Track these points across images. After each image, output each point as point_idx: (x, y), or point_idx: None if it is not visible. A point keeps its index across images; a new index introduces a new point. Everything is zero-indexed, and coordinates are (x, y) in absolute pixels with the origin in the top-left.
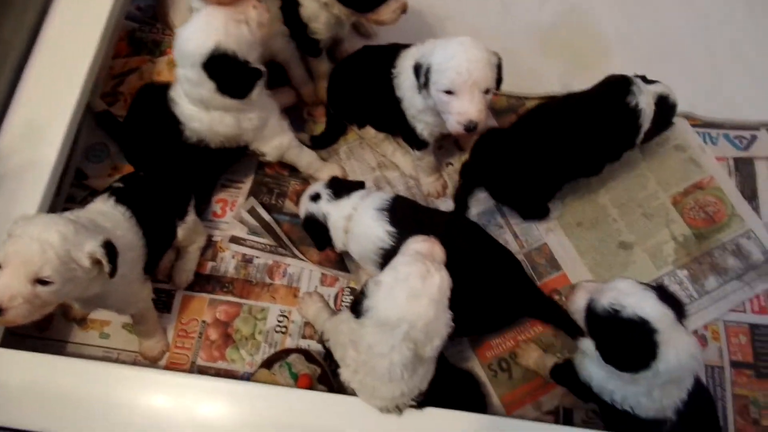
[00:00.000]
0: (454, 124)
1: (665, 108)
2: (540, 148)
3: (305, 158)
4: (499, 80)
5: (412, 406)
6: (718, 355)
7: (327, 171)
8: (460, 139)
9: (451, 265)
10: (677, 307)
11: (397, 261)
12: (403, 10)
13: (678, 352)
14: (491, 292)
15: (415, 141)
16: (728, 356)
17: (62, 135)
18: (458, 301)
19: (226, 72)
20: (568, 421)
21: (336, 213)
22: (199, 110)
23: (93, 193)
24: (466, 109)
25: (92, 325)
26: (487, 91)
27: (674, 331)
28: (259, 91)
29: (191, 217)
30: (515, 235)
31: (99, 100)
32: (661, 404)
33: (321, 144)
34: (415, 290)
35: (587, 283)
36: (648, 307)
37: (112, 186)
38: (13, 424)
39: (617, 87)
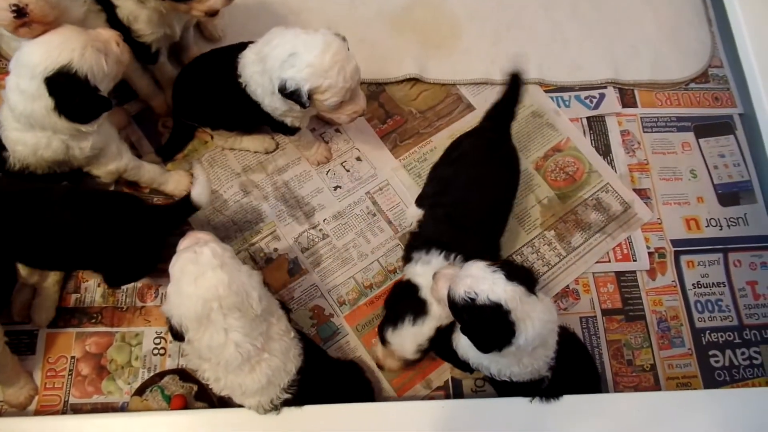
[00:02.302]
0: (345, 119)
1: None
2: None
3: (146, 174)
4: None
5: (289, 402)
6: (590, 306)
7: (173, 181)
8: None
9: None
10: (527, 279)
11: (170, 269)
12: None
13: (533, 323)
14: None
15: (288, 131)
16: (599, 305)
17: None
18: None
19: (71, 93)
20: (458, 395)
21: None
22: (23, 131)
23: None
24: (358, 107)
25: None
26: None
27: (526, 304)
28: (101, 122)
29: None
30: (389, 221)
31: None
32: (533, 367)
33: (168, 154)
34: (194, 273)
35: (446, 271)
36: (499, 290)
37: None
38: None
39: None
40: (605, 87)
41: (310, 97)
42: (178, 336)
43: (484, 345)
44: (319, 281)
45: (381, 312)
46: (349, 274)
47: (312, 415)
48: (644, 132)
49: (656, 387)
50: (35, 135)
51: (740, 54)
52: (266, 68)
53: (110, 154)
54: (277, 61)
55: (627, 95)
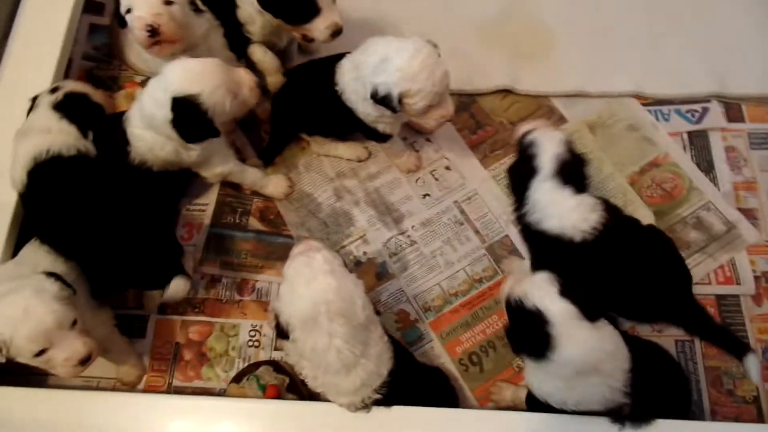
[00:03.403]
0: (433, 123)
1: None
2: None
3: (249, 177)
4: None
5: (379, 402)
6: None
7: (273, 184)
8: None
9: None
10: (586, 304)
11: (284, 271)
12: (336, 30)
13: (577, 345)
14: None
15: (379, 138)
16: None
17: None
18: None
19: (188, 117)
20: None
21: None
22: (145, 130)
23: None
24: (446, 111)
25: None
26: None
27: (573, 325)
28: (205, 145)
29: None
30: (476, 230)
31: None
32: (596, 397)
33: (268, 158)
34: (307, 276)
35: (516, 274)
36: (548, 301)
37: None
38: None
39: None
40: (709, 101)
41: (400, 101)
42: (283, 334)
43: (517, 344)
44: (406, 286)
45: (465, 320)
46: (435, 281)
47: (399, 415)
48: (752, 149)
49: (759, 421)
50: (154, 135)
51: None
52: (360, 75)
53: (217, 160)
54: (370, 68)
55: (733, 109)
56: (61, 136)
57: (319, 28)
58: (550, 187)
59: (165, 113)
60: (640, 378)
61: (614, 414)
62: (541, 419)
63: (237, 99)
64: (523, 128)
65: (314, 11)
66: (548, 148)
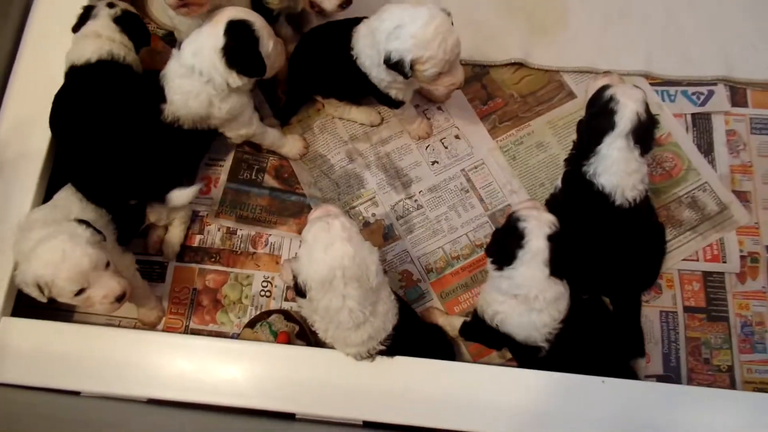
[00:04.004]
0: (443, 90)
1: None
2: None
3: (268, 138)
4: None
5: (382, 352)
6: (672, 302)
7: (289, 145)
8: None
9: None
10: (560, 262)
11: (303, 234)
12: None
13: (527, 272)
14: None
15: (392, 103)
16: (681, 302)
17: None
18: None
19: (242, 41)
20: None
21: None
22: (183, 78)
23: None
24: (456, 79)
25: None
26: None
27: (535, 262)
28: (247, 83)
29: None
30: (480, 198)
31: None
32: (521, 323)
33: (285, 118)
34: (326, 241)
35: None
36: (535, 232)
37: None
38: (27, 383)
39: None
40: (715, 84)
41: (412, 67)
42: (300, 292)
43: (492, 245)
44: (410, 248)
45: (465, 282)
46: (438, 244)
47: (399, 364)
48: (752, 134)
49: (732, 388)
50: (192, 82)
51: None
52: (375, 41)
53: (243, 121)
54: (384, 34)
55: (739, 94)
56: (119, 46)
57: None
58: (621, 146)
59: (214, 42)
60: (568, 334)
61: (529, 351)
62: (531, 375)
63: (276, 47)
64: (600, 81)
65: None
66: (628, 106)
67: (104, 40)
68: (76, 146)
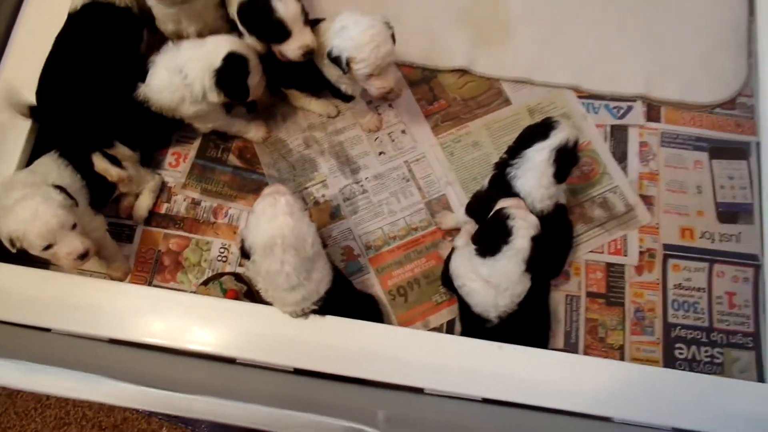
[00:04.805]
0: (375, 92)
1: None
2: None
3: (234, 128)
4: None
5: (316, 311)
6: (577, 287)
7: (253, 131)
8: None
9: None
10: (536, 260)
11: (254, 206)
12: (307, 51)
13: (502, 268)
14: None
15: (343, 97)
16: (585, 288)
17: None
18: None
19: (235, 71)
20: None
21: None
22: (168, 72)
23: None
24: (386, 83)
25: None
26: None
27: (514, 259)
28: (224, 100)
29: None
30: (419, 187)
31: None
32: (481, 296)
33: (251, 106)
34: (270, 215)
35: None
36: (522, 233)
37: None
38: (16, 320)
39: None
40: (634, 100)
41: (348, 64)
42: (246, 255)
43: (480, 234)
44: (353, 227)
45: (399, 260)
46: (378, 225)
47: (329, 322)
48: (662, 146)
49: None
50: (173, 78)
51: (760, 85)
52: (324, 39)
53: (211, 118)
54: (332, 32)
55: (654, 110)
56: None
57: (291, 48)
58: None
59: (212, 62)
60: (517, 317)
61: (479, 319)
62: (446, 338)
63: (260, 82)
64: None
65: (286, 34)
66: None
67: None
68: (60, 87)
